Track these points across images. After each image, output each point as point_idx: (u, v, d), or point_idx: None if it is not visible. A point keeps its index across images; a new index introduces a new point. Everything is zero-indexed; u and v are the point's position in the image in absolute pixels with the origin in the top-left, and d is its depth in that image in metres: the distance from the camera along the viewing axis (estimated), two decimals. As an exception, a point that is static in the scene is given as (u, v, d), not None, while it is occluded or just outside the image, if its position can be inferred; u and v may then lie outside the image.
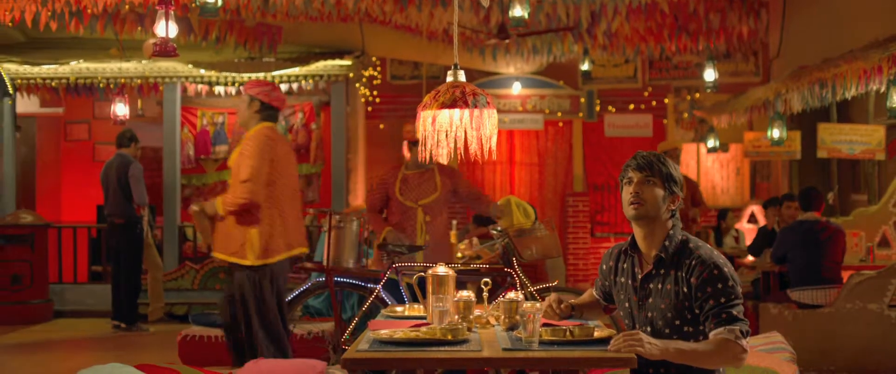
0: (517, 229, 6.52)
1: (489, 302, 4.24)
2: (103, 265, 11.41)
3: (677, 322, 3.47)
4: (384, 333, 3.54)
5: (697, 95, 13.19)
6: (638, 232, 3.62)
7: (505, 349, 3.31)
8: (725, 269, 3.42)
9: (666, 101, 13.38)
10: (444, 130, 3.92)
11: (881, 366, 7.14)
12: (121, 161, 9.88)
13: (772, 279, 8.02)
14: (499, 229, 6.14)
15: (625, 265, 3.69)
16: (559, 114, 13.29)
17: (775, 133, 9.64)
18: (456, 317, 3.86)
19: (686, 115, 13.23)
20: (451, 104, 3.82)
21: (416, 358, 3.22)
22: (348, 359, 3.20)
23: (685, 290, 3.45)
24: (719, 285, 3.38)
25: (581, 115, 13.33)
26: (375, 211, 6.66)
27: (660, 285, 3.53)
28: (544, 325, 3.68)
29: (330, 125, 11.74)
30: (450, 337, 3.45)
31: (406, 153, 6.71)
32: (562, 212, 13.50)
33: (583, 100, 13.28)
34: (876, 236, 8.93)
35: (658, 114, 13.39)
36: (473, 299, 4.02)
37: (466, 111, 3.85)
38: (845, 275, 7.62)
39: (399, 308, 4.47)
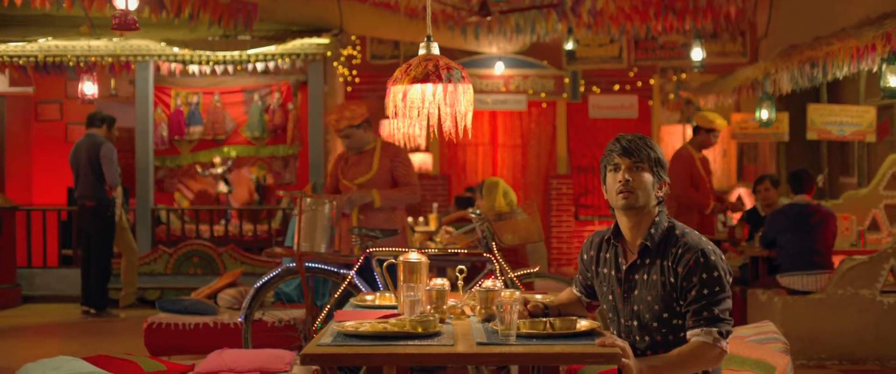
0: (497, 212, 6.26)
1: (465, 290, 3.98)
2: (74, 249, 11.09)
3: (665, 315, 3.22)
4: (349, 325, 3.27)
5: (684, 75, 12.98)
6: (624, 222, 3.36)
7: (479, 344, 3.04)
8: (712, 257, 3.17)
9: (651, 82, 13.16)
10: (415, 106, 3.65)
11: (873, 354, 6.93)
12: (91, 142, 9.57)
13: (760, 264, 7.79)
14: (477, 212, 5.86)
15: (608, 255, 3.42)
16: (542, 94, 13.05)
17: (763, 114, 9.43)
18: (428, 307, 3.60)
19: (672, 96, 12.99)
20: (424, 79, 3.57)
21: (382, 354, 2.95)
22: (308, 355, 2.93)
23: (672, 280, 3.20)
24: (705, 276, 3.14)
25: (565, 95, 13.08)
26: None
27: (645, 276, 3.27)
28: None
29: (307, 105, 11.43)
30: (420, 330, 3.19)
31: (339, 145, 6.47)
32: (545, 194, 13.31)
33: (567, 80, 13.04)
34: (866, 219, 8.72)
35: (643, 95, 13.18)
36: (447, 287, 3.76)
37: (440, 86, 3.58)
38: (836, 260, 7.40)
39: (369, 297, 4.20)
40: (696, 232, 3.31)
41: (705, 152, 8.90)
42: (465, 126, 3.70)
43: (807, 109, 9.49)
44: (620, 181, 3.27)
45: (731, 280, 3.22)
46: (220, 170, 12.15)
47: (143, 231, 10.94)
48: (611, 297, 3.40)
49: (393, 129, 3.72)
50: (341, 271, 5.81)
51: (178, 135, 12.22)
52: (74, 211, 10.28)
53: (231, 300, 7.02)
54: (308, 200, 5.81)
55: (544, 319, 3.31)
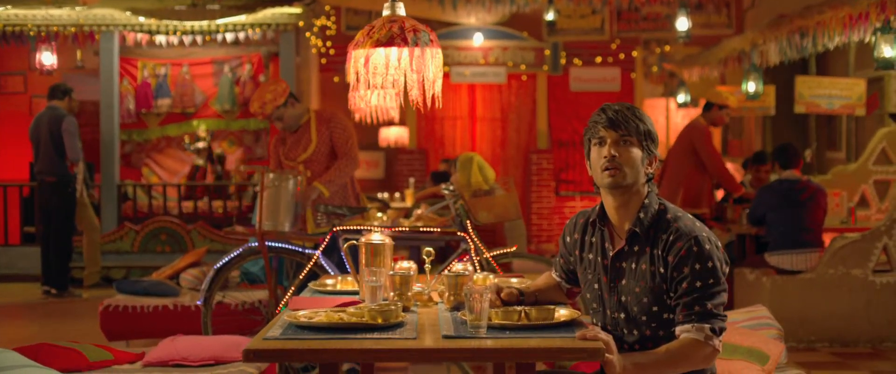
0: (473, 189, 5.93)
1: (436, 273, 3.65)
2: (36, 226, 10.71)
3: (655, 309, 2.90)
4: (302, 315, 2.93)
5: (667, 47, 12.68)
6: (610, 201, 3.02)
7: (445, 337, 2.71)
8: (707, 246, 2.85)
9: (634, 54, 12.87)
10: (379, 73, 3.31)
11: (864, 335, 6.67)
12: (52, 115, 9.17)
13: (748, 243, 7.49)
14: (450, 188, 5.52)
15: (593, 239, 3.09)
16: (523, 67, 12.71)
17: (750, 87, 9.10)
18: (391, 294, 3.26)
19: (655, 68, 12.68)
20: (388, 42, 3.24)
21: (335, 349, 2.60)
22: (251, 350, 2.59)
23: (662, 270, 2.89)
24: (697, 266, 2.82)
25: (545, 68, 12.76)
26: None
27: (633, 265, 2.95)
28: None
29: (279, 78, 11.03)
30: (380, 321, 2.85)
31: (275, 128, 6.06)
32: (525, 170, 13.03)
33: (547, 52, 12.70)
34: (855, 195, 8.43)
35: (626, 67, 12.89)
36: (414, 271, 3.43)
37: (405, 50, 3.25)
38: (827, 238, 7.12)
39: (329, 281, 3.86)
40: (690, 216, 2.99)
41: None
42: (433, 95, 3.37)
43: (795, 81, 9.21)
44: (606, 157, 2.93)
45: (727, 271, 2.90)
46: (202, 144, 11.72)
47: (109, 208, 10.58)
48: (596, 285, 3.08)
49: (358, 100, 3.39)
50: (306, 251, 5.47)
51: (145, 108, 11.82)
52: (36, 187, 9.90)
53: (194, 281, 6.68)
54: (271, 175, 5.47)
55: (519, 308, 2.98)
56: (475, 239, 5.11)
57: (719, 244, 2.93)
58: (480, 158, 6.05)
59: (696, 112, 12.58)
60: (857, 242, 6.67)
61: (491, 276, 3.75)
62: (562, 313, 2.99)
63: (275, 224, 5.43)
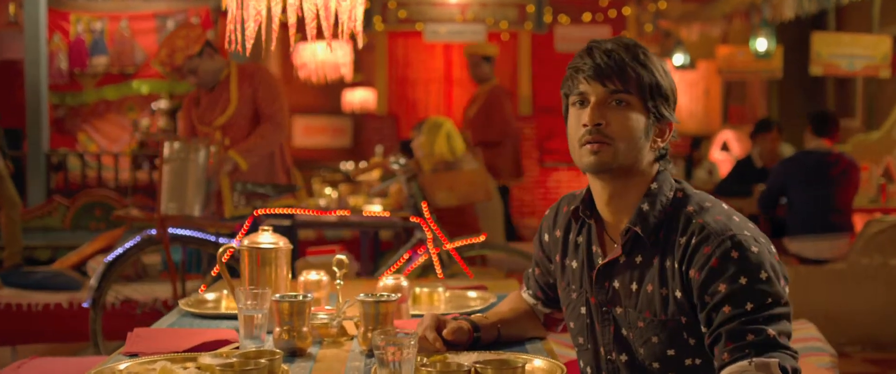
0: (436, 159, 4.81)
1: (384, 272, 2.54)
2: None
3: (671, 352, 1.86)
4: (130, 369, 1.82)
5: (663, 4, 11.64)
6: (598, 189, 1.98)
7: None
8: (753, 248, 1.79)
9: (626, 11, 11.84)
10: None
11: (904, 337, 5.62)
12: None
13: (762, 225, 6.38)
14: (400, 161, 4.39)
15: (579, 238, 2.04)
16: (503, 24, 11.68)
17: (761, 44, 8.07)
18: (277, 330, 2.12)
19: (649, 27, 11.62)
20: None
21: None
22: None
23: (679, 294, 1.84)
24: (743, 279, 1.76)
25: (529, 26, 11.74)
26: None
27: (634, 284, 1.91)
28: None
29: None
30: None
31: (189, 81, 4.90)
32: (506, 138, 11.93)
33: (531, 8, 11.64)
34: (878, 169, 7.38)
35: (617, 26, 11.85)
36: (323, 286, 2.33)
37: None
38: (858, 221, 6.04)
39: (210, 297, 2.73)
40: (726, 207, 1.89)
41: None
42: (352, 30, 2.33)
43: (811, 38, 8.12)
44: (585, 125, 1.88)
45: (787, 289, 1.82)
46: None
47: (36, 179, 9.44)
48: (582, 310, 2.02)
49: (233, 33, 2.35)
50: (220, 240, 4.35)
51: (79, 67, 10.65)
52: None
53: (103, 271, 5.54)
54: (176, 144, 4.33)
55: (467, 360, 1.87)
56: (433, 226, 3.99)
57: (773, 248, 1.83)
58: (453, 125, 4.95)
59: (693, 76, 11.56)
60: (896, 226, 5.62)
61: (441, 289, 2.65)
62: (537, 365, 1.90)
63: (180, 207, 4.29)
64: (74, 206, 8.96)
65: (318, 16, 2.29)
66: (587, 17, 11.85)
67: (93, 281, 4.39)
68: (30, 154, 9.51)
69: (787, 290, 1.81)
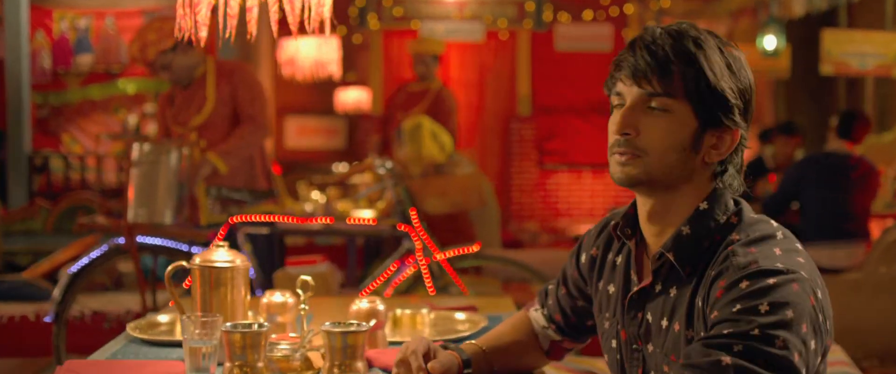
0: (426, 162, 4.50)
1: (311, 321, 2.24)
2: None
3: None
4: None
5: (665, 2, 11.45)
6: (640, 203, 1.68)
7: None
8: (776, 283, 1.45)
9: (628, 10, 11.58)
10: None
11: (926, 351, 5.34)
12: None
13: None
14: (386, 165, 4.08)
15: (618, 259, 1.76)
16: (502, 22, 11.47)
17: (769, 42, 7.78)
18: (228, 367, 1.81)
19: (652, 24, 11.38)
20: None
21: None
22: None
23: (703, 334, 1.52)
24: (738, 306, 1.46)
25: (528, 24, 11.53)
26: None
27: (664, 320, 1.60)
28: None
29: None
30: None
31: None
32: (504, 139, 11.83)
33: (530, 7, 11.47)
34: (892, 171, 7.12)
35: (619, 24, 11.61)
36: (289, 309, 2.03)
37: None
38: (875, 228, 5.76)
39: (163, 319, 2.41)
40: (780, 236, 1.58)
41: None
42: (318, 17, 2.03)
43: (821, 36, 7.85)
44: (615, 132, 1.60)
45: (830, 332, 1.50)
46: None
47: (18, 181, 9.20)
48: (614, 343, 1.74)
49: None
50: (192, 250, 4.05)
51: (63, 66, 10.40)
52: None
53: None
54: (145, 146, 4.02)
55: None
56: (422, 234, 3.68)
57: (826, 303, 1.50)
58: (431, 121, 4.62)
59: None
60: (917, 233, 5.33)
61: (425, 311, 2.35)
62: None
63: (150, 214, 3.98)
64: (57, 209, 8.69)
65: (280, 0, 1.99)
66: (588, 15, 11.59)
67: (56, 293, 4.10)
68: (11, 155, 9.29)
69: (815, 364, 1.46)
